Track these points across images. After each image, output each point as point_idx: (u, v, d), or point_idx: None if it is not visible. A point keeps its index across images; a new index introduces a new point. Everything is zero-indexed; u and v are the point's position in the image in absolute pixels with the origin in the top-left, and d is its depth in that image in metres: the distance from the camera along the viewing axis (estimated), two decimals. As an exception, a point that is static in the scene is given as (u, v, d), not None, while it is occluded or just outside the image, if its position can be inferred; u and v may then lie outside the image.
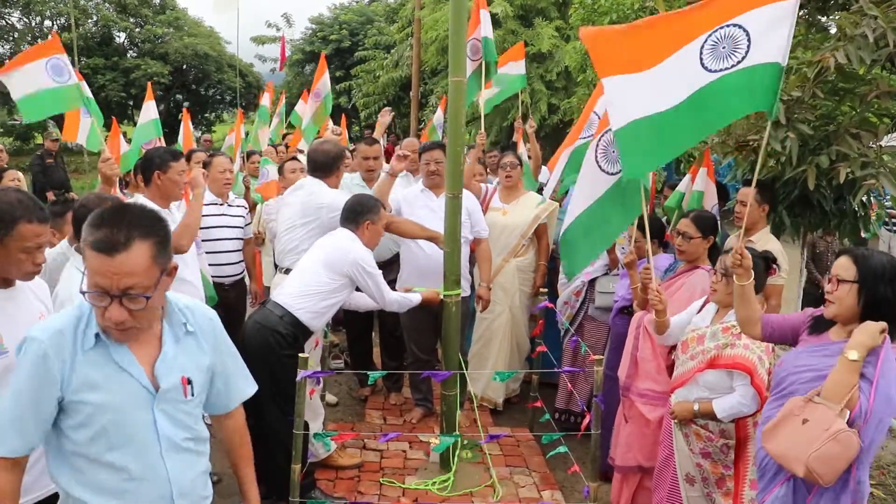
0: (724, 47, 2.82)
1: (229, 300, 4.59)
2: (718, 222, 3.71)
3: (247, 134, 7.57)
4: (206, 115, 29.04)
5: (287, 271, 4.02)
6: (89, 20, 25.18)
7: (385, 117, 6.15)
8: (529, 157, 5.94)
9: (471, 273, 4.84)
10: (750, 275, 2.63)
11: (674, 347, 3.45)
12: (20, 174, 5.46)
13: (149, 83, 6.38)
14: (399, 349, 5.18)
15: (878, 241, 7.91)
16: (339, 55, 25.08)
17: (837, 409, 2.14)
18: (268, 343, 3.54)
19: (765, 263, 3.06)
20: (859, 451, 2.16)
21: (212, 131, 27.83)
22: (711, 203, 4.28)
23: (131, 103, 24.72)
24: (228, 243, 4.63)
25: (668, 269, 3.72)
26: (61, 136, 5.00)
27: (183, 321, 1.89)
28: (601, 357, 3.70)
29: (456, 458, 4.13)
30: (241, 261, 4.76)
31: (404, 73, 17.55)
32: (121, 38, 26.61)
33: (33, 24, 24.87)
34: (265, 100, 7.61)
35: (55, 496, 2.19)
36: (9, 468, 1.78)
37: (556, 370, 4.48)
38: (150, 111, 5.81)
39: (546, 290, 4.77)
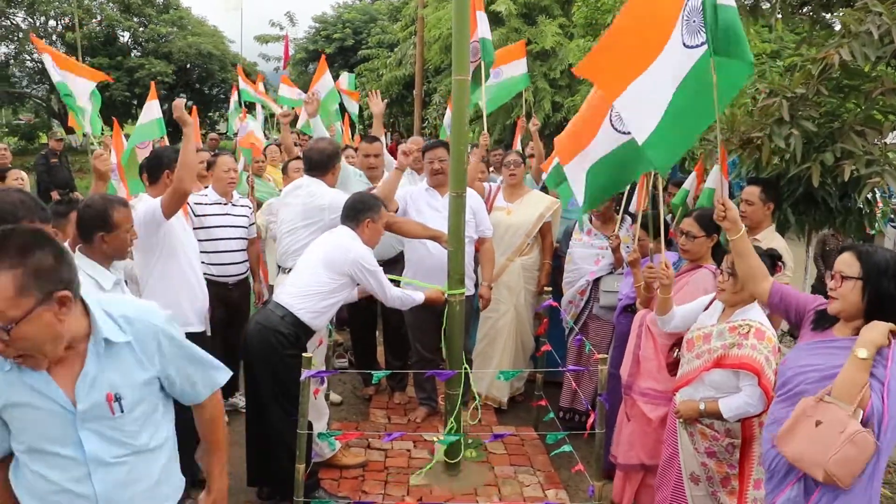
0: (694, 20, 2.82)
1: (233, 300, 4.60)
2: None
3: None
4: (210, 113, 29.07)
5: (290, 272, 4.03)
6: (93, 20, 25.21)
7: (377, 105, 5.70)
8: (532, 156, 5.93)
9: (475, 272, 4.83)
10: (738, 227, 2.65)
11: (675, 345, 3.45)
12: (24, 174, 5.47)
13: (152, 83, 6.37)
14: (403, 348, 5.18)
15: (884, 238, 7.88)
16: (343, 54, 25.10)
17: (850, 409, 2.12)
18: (270, 343, 3.54)
19: (770, 261, 3.04)
20: (877, 452, 2.14)
21: (216, 130, 27.87)
22: None
23: (135, 102, 24.73)
24: (232, 243, 4.62)
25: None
26: (78, 127, 5.04)
27: (104, 336, 1.79)
28: (605, 356, 3.70)
29: (460, 458, 4.13)
30: (245, 260, 4.76)
31: (408, 72, 17.55)
32: (125, 37, 26.64)
33: (38, 23, 24.91)
34: (247, 88, 7.57)
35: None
36: None
37: (560, 369, 4.48)
38: (153, 110, 5.80)
39: (551, 288, 4.76)
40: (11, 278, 1.58)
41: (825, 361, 2.33)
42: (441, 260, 4.11)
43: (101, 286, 2.71)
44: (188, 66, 26.19)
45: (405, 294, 3.93)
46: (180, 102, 3.48)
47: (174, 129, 6.74)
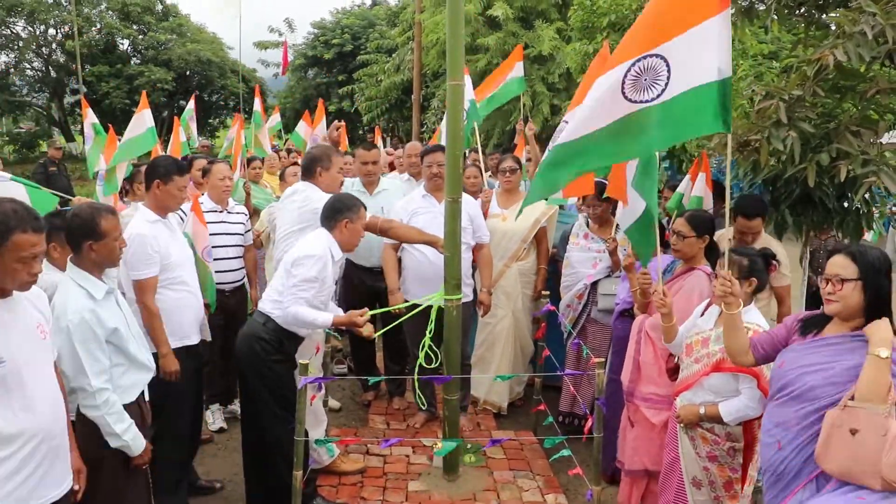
0: (645, 79, 2.86)
1: (230, 307, 4.60)
2: (714, 222, 3.69)
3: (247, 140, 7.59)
4: (210, 120, 29.13)
5: None
6: (93, 28, 25.30)
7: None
8: (529, 160, 5.93)
9: (472, 278, 4.83)
10: (739, 303, 2.64)
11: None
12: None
13: (143, 92, 6.37)
14: (402, 354, 5.18)
15: (885, 240, 7.86)
16: (342, 59, 25.17)
17: (885, 410, 2.10)
18: (254, 351, 3.55)
19: (764, 261, 3.04)
20: None
21: (215, 137, 27.92)
22: (709, 207, 4.27)
23: (135, 110, 24.81)
24: (229, 250, 4.62)
25: (666, 269, 3.70)
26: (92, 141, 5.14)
27: None
28: (602, 360, 3.68)
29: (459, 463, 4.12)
30: (242, 267, 4.76)
31: (406, 77, 17.58)
32: (124, 45, 26.73)
33: (37, 32, 25.00)
34: (256, 104, 7.63)
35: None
36: None
37: (558, 373, 4.46)
38: (144, 121, 5.77)
39: (548, 293, 4.76)
40: None
41: (828, 359, 2.33)
42: (438, 266, 4.09)
43: (92, 296, 2.70)
44: (188, 73, 26.28)
45: (306, 316, 3.51)
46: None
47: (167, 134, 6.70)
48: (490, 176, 6.25)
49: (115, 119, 23.60)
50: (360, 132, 24.18)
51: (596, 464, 3.64)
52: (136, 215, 3.63)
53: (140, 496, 2.93)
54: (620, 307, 4.04)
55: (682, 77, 2.80)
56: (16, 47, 24.62)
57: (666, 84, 2.83)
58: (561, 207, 5.42)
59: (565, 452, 3.71)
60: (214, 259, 4.46)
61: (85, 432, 2.64)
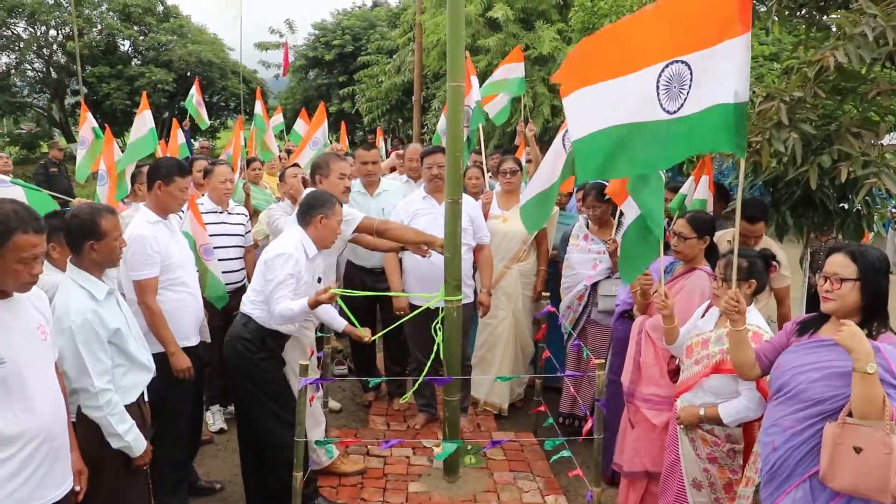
0: (675, 86, 2.84)
1: (230, 308, 4.59)
2: (715, 223, 3.69)
3: (245, 141, 7.58)
4: (211, 121, 29.14)
5: None
6: (94, 29, 25.31)
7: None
8: (530, 161, 5.93)
9: (473, 279, 4.82)
10: (745, 319, 2.64)
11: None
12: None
13: (143, 93, 6.37)
14: (402, 355, 5.18)
15: (885, 241, 7.85)
16: (342, 60, 25.16)
17: (886, 426, 2.10)
18: (238, 352, 3.58)
19: (764, 262, 3.04)
20: None
21: (216, 138, 27.91)
22: (711, 209, 4.27)
23: (136, 111, 24.80)
24: (229, 251, 4.63)
25: (666, 269, 3.70)
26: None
27: None
28: (602, 361, 3.68)
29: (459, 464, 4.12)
30: (243, 268, 4.76)
31: (407, 78, 17.55)
32: (125, 46, 26.72)
33: (38, 33, 25.01)
34: (258, 107, 7.63)
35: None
36: None
37: (558, 374, 4.46)
38: (145, 122, 5.78)
39: (549, 294, 4.75)
40: None
41: (822, 358, 2.34)
42: (438, 267, 4.09)
43: (93, 297, 2.70)
44: (188, 74, 26.24)
45: (291, 310, 3.48)
46: None
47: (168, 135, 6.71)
48: (490, 177, 6.25)
49: (116, 120, 23.62)
50: (361, 133, 24.18)
51: (596, 465, 3.64)
52: (136, 216, 3.64)
53: (140, 497, 2.93)
54: (621, 308, 4.04)
55: (701, 93, 2.77)
56: (17, 48, 24.61)
57: (686, 97, 2.81)
58: (562, 209, 5.43)
59: (566, 454, 3.71)
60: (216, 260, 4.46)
61: (85, 433, 2.63)
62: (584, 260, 4.66)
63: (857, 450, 2.13)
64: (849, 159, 3.47)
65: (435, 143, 7.38)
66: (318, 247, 3.70)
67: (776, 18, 4.18)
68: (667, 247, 3.90)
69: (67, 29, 24.02)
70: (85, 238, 2.72)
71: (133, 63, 26.22)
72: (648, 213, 3.36)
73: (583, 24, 7.36)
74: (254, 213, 5.66)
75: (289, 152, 9.76)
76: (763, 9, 4.28)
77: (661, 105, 2.90)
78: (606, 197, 4.23)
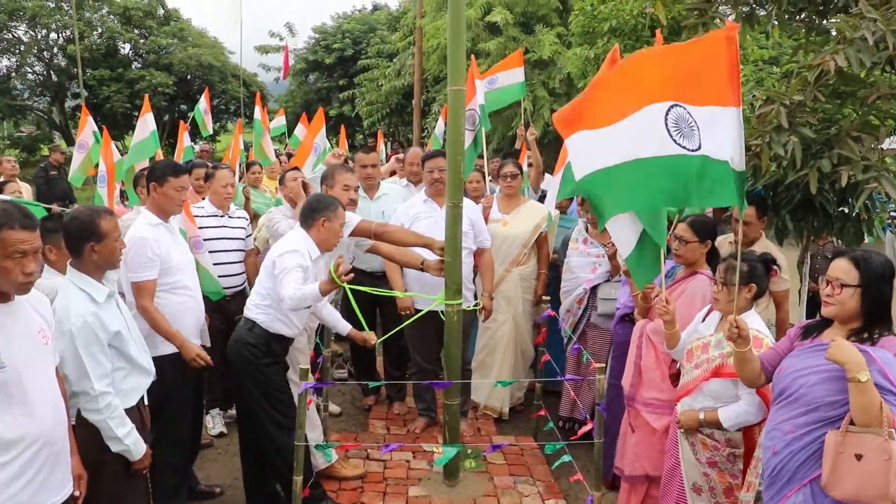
0: (685, 127, 2.83)
1: (230, 311, 4.59)
2: (716, 227, 3.69)
3: (245, 145, 7.59)
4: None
5: None
6: (94, 32, 25.33)
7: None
8: (531, 165, 5.93)
9: (473, 283, 4.82)
10: (748, 342, 2.63)
11: (677, 355, 3.43)
12: (21, 187, 5.46)
13: (146, 96, 6.38)
14: (402, 359, 5.17)
15: (884, 245, 7.85)
16: (343, 64, 25.19)
17: (885, 433, 2.10)
18: (244, 356, 3.57)
19: (765, 266, 3.04)
20: None
21: (216, 141, 27.93)
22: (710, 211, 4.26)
23: (136, 114, 24.81)
24: (230, 255, 4.63)
25: (667, 274, 3.70)
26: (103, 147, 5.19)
27: None
28: (603, 365, 3.68)
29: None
30: (243, 272, 4.76)
31: (407, 82, 17.58)
32: (125, 49, 26.74)
33: (39, 36, 25.03)
34: (257, 112, 7.66)
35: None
36: None
37: (559, 378, 4.46)
38: (147, 125, 5.80)
39: (549, 298, 4.75)
40: None
41: (821, 361, 2.33)
42: (438, 271, 4.09)
43: (94, 299, 2.70)
44: (188, 77, 26.27)
45: (301, 292, 3.42)
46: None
47: (175, 140, 6.73)
48: (490, 181, 6.25)
49: (116, 123, 23.64)
50: (361, 137, 24.20)
51: (597, 469, 3.64)
52: (137, 219, 3.64)
53: (140, 500, 2.93)
54: (621, 312, 4.04)
55: (710, 141, 2.77)
56: (17, 51, 24.62)
57: (699, 138, 2.79)
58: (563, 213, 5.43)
59: (566, 458, 3.70)
60: (216, 263, 4.47)
61: (85, 436, 2.63)
62: (584, 263, 4.66)
63: (858, 457, 2.14)
64: (849, 163, 3.47)
65: (434, 147, 7.37)
66: (320, 249, 3.70)
67: (776, 22, 4.19)
68: (668, 250, 3.90)
69: (68, 32, 24.04)
70: (85, 240, 2.72)
71: (133, 66, 26.23)
72: (646, 221, 3.35)
73: (583, 27, 7.34)
74: (254, 217, 5.66)
75: (289, 156, 9.78)
76: (763, 13, 4.29)
77: (674, 141, 2.87)
78: None
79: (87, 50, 23.48)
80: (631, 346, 3.68)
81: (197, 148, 10.97)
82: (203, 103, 8.72)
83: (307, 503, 3.62)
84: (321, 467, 4.08)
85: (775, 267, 3.13)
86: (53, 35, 25.28)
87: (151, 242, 3.43)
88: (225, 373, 4.72)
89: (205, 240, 4.46)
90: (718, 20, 4.25)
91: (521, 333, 5.10)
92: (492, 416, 5.16)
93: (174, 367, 3.49)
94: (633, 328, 3.77)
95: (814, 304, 5.92)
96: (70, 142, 25.38)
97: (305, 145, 6.63)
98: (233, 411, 4.84)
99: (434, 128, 15.40)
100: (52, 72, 25.80)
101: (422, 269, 4.15)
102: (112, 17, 25.88)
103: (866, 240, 4.11)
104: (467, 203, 4.24)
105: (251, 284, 4.91)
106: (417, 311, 4.37)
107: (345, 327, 3.80)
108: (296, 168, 5.34)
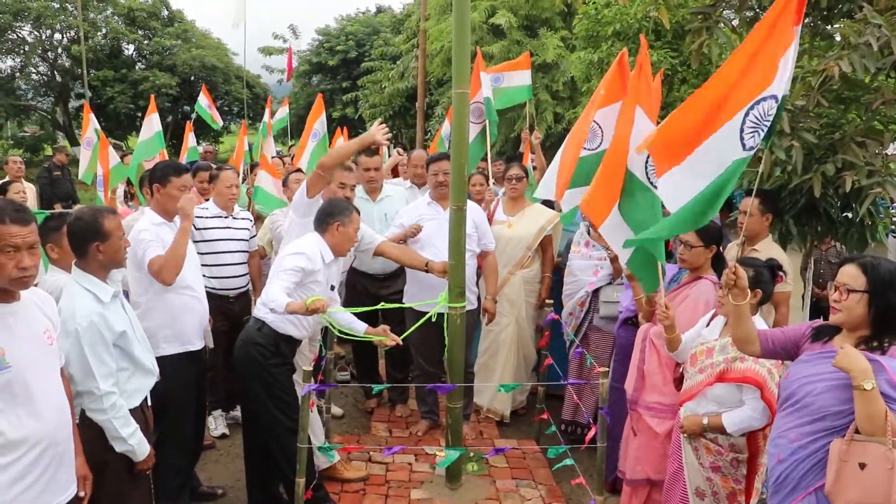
0: (761, 123, 2.71)
1: (234, 312, 4.60)
2: (722, 232, 3.68)
3: (250, 146, 7.60)
4: (214, 125, 29.19)
5: None
6: (98, 33, 25.42)
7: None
8: (535, 168, 5.93)
9: (476, 285, 4.82)
10: (746, 294, 2.58)
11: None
12: (25, 187, 5.47)
13: (151, 96, 6.40)
14: (405, 361, 5.17)
15: (887, 250, 7.84)
16: (346, 66, 25.24)
17: (889, 442, 2.10)
18: (251, 356, 3.56)
19: (770, 272, 3.03)
20: None
21: (219, 142, 27.99)
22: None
23: (140, 115, 24.91)
24: (234, 256, 4.63)
25: (672, 279, 3.70)
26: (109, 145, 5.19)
27: None
28: (606, 369, 3.68)
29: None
30: (247, 273, 4.76)
31: (410, 84, 17.62)
32: (129, 50, 26.85)
33: (43, 37, 25.12)
34: (265, 115, 7.68)
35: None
36: None
37: (561, 382, 4.46)
38: (153, 125, 5.83)
39: (552, 301, 4.75)
40: None
41: (828, 369, 2.31)
42: (442, 274, 4.10)
43: (99, 299, 2.71)
44: (192, 78, 26.34)
45: (275, 295, 3.40)
46: (187, 203, 3.53)
47: (179, 142, 6.71)
48: (494, 183, 6.26)
49: (120, 124, 23.73)
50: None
51: (599, 473, 3.64)
52: (141, 218, 3.66)
53: (143, 501, 2.93)
54: (624, 315, 4.04)
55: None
56: (22, 52, 24.71)
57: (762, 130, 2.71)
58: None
59: (568, 462, 3.70)
60: (219, 265, 4.47)
61: (89, 436, 2.63)
62: (586, 266, 4.66)
63: (862, 466, 2.13)
64: (853, 168, 3.48)
65: (439, 150, 7.37)
66: (335, 253, 3.72)
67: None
68: (671, 255, 3.91)
69: (72, 33, 24.15)
70: (90, 240, 2.72)
71: (137, 67, 26.34)
72: (636, 227, 3.33)
73: (587, 31, 7.34)
74: (257, 218, 5.67)
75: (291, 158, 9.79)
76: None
77: (743, 144, 2.74)
78: None
79: (91, 50, 23.58)
80: (634, 349, 3.68)
81: (201, 149, 11.01)
82: (203, 99, 8.73)
83: None
84: (323, 466, 4.09)
85: (781, 273, 3.13)
86: (58, 36, 25.40)
87: (153, 236, 3.46)
88: (230, 373, 4.74)
89: (209, 241, 4.47)
90: (722, 24, 4.25)
91: (524, 337, 5.10)
92: (494, 420, 5.16)
93: (177, 367, 3.49)
94: (635, 331, 3.77)
95: (817, 308, 5.92)
96: (73, 142, 25.46)
97: (306, 133, 6.63)
98: (235, 412, 4.84)
99: (438, 130, 15.46)
100: (56, 72, 25.90)
101: (426, 271, 4.17)
102: (116, 17, 25.99)
103: (870, 244, 4.11)
104: (471, 205, 4.24)
105: (255, 285, 4.94)
106: (419, 315, 4.36)
107: (361, 327, 3.82)
108: (299, 170, 5.35)
